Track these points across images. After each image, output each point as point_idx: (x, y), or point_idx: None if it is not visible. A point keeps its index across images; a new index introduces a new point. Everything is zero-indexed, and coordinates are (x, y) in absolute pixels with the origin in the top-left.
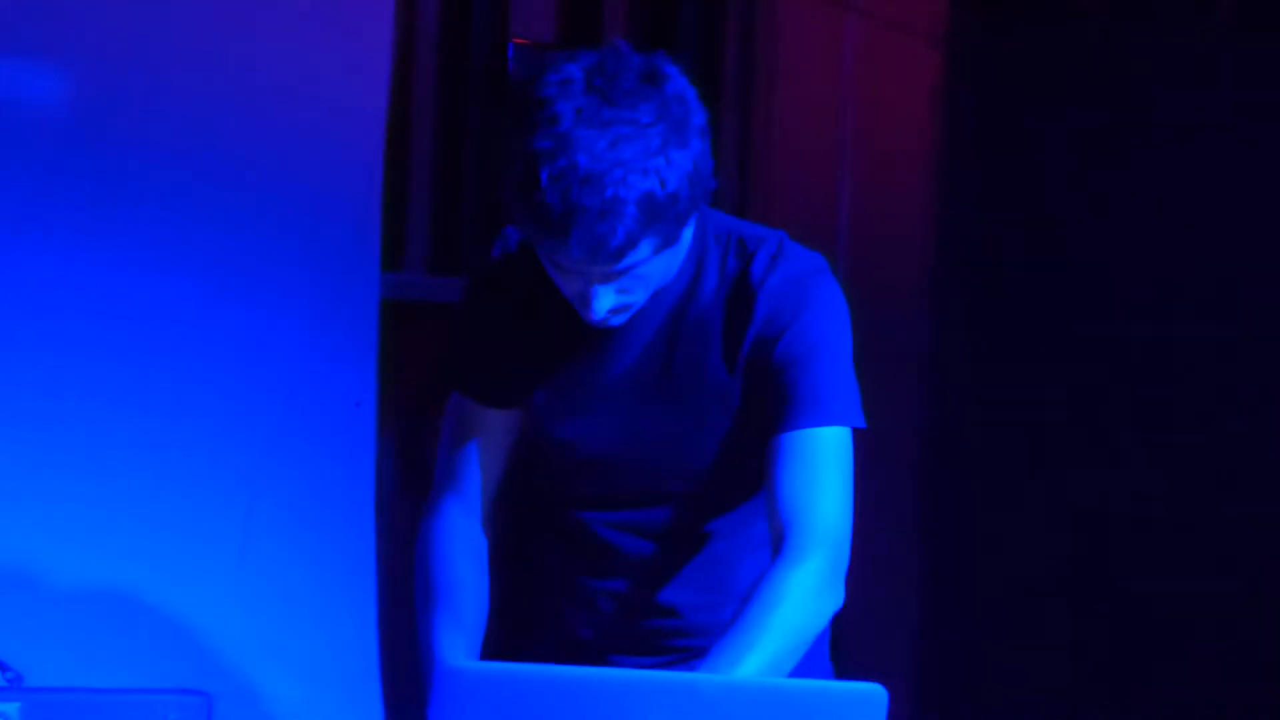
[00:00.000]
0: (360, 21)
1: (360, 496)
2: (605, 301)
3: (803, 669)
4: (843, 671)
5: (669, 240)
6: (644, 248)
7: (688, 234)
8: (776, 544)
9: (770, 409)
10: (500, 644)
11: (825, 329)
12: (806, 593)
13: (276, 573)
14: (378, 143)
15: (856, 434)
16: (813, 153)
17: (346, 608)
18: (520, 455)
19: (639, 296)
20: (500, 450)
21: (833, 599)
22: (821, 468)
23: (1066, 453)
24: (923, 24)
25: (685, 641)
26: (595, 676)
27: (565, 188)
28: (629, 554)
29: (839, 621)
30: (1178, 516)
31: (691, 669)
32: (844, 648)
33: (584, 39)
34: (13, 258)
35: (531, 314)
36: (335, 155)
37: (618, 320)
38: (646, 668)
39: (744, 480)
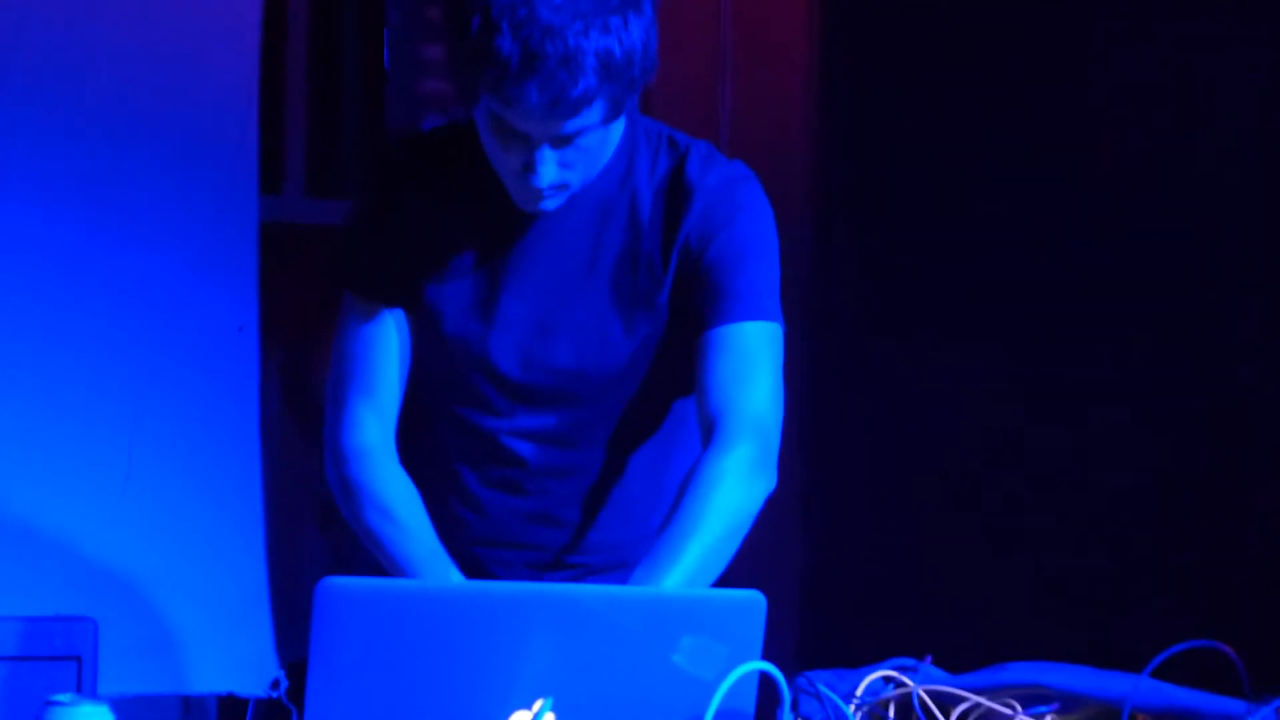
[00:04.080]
0: None
1: (245, 420)
2: (550, 170)
3: None
4: (726, 579)
5: (616, 109)
6: (597, 109)
7: (619, 127)
8: (706, 435)
9: (701, 307)
10: None
11: (757, 232)
12: (740, 476)
13: (162, 497)
14: (252, 61)
15: None
16: (693, 61)
17: (233, 530)
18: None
19: (577, 176)
20: (405, 353)
21: (765, 481)
22: (752, 359)
23: (944, 360)
24: None
25: (576, 558)
26: (475, 589)
27: (526, 36)
28: (529, 462)
29: None
30: (1053, 440)
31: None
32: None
33: None
34: None
35: (440, 207)
36: (209, 75)
37: (553, 203)
38: (538, 576)
39: (658, 395)
